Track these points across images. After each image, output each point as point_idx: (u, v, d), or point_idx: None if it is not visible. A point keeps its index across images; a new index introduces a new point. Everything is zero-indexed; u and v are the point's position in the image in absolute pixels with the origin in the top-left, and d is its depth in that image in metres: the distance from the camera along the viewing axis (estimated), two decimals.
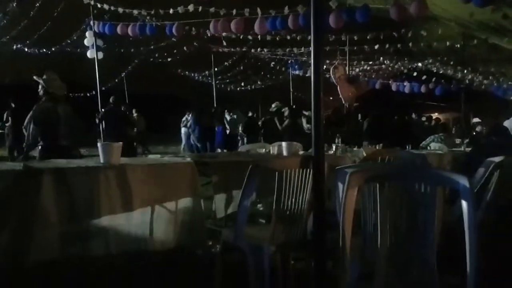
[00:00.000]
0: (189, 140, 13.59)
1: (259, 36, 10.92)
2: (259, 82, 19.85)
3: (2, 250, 2.60)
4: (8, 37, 11.88)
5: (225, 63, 16.43)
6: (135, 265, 3.20)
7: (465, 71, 13.15)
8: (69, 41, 12.39)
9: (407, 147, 6.47)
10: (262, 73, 18.73)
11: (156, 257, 3.23)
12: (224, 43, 12.72)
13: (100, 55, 10.18)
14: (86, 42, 10.76)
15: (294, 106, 11.51)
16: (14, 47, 12.85)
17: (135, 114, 14.49)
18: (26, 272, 2.76)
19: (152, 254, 3.20)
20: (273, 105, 11.38)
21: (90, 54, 10.55)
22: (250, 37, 11.65)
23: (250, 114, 13.24)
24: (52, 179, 2.73)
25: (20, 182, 2.67)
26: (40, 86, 5.11)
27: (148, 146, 15.28)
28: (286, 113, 11.00)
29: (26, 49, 13.16)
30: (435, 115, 19.74)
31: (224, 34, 10.46)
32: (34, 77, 5.18)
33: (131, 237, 3.08)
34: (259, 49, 14.80)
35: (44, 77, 5.15)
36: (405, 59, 15.92)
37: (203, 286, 2.96)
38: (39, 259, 2.69)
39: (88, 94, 16.16)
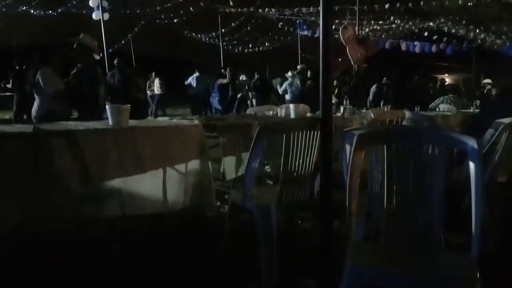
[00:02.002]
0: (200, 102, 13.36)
1: None
2: (267, 44, 19.54)
3: (15, 212, 2.66)
4: None
5: (232, 24, 16.13)
6: (145, 226, 3.27)
7: (477, 31, 12.83)
8: (74, 2, 12.20)
9: (416, 108, 6.42)
10: (270, 34, 18.41)
11: (166, 218, 3.30)
12: (231, 3, 12.46)
13: (106, 16, 10.04)
14: (91, 3, 10.60)
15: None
16: (20, 9, 12.69)
17: (156, 78, 14.54)
18: (38, 233, 2.83)
19: (161, 215, 3.26)
20: (298, 67, 11.34)
21: (95, 15, 10.40)
22: None
23: (256, 76, 13.09)
24: (62, 141, 2.76)
25: (31, 144, 2.70)
26: (81, 48, 5.06)
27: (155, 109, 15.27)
28: (308, 75, 10.96)
29: (32, 11, 12.99)
30: (444, 76, 19.41)
31: None
32: (72, 39, 5.14)
33: (141, 199, 3.13)
34: (266, 9, 14.50)
35: (82, 36, 5.14)
36: (416, 18, 15.53)
37: (212, 246, 3.03)
38: (50, 221, 2.75)
39: None
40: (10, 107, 11.17)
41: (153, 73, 14.87)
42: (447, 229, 1.99)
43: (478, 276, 1.66)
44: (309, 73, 11.40)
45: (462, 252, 1.85)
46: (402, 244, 2.02)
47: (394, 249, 2.01)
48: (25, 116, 10.33)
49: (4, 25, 14.04)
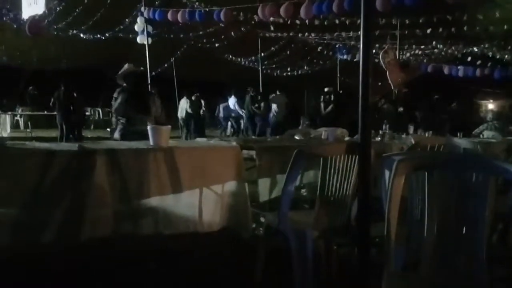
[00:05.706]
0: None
1: (306, 21, 10.78)
2: (306, 68, 19.62)
3: (58, 227, 2.75)
4: (64, 23, 12.32)
5: (272, 48, 16.32)
6: (180, 246, 3.30)
7: None
8: (121, 27, 12.71)
9: (458, 134, 6.25)
10: (309, 58, 18.49)
11: (201, 239, 3.32)
12: (272, 28, 12.64)
13: (149, 40, 10.42)
14: (136, 27, 11.01)
15: (340, 91, 11.41)
16: (70, 32, 13.33)
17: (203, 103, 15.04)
18: (80, 248, 2.91)
19: (197, 235, 3.28)
20: (325, 89, 11.33)
21: (139, 39, 10.80)
22: (297, 21, 11.50)
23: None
24: (105, 160, 2.84)
25: (76, 162, 2.80)
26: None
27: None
28: (332, 98, 10.92)
29: (81, 35, 13.63)
30: (489, 102, 18.83)
31: (271, 19, 10.40)
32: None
33: (177, 218, 3.17)
34: (306, 34, 14.60)
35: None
36: (459, 43, 15.24)
37: (247, 268, 3.01)
38: (92, 236, 2.83)
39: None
40: (55, 125, 11.60)
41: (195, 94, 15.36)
42: (492, 260, 1.91)
43: None
44: (332, 96, 11.33)
45: (509, 285, 1.76)
46: (443, 275, 1.95)
47: (435, 280, 1.94)
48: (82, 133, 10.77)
49: (55, 48, 14.81)
